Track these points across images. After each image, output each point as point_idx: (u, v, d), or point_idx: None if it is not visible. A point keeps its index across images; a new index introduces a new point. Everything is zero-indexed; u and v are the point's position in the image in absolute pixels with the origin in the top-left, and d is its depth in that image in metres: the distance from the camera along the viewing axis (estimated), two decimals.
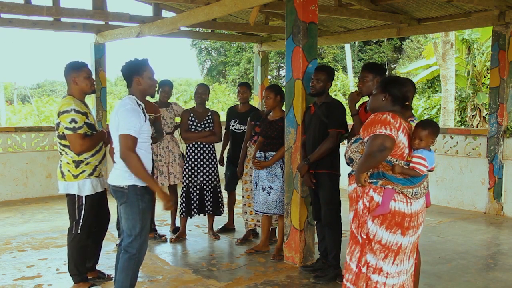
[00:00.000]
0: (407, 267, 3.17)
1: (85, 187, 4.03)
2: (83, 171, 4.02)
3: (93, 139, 4.03)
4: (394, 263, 3.10)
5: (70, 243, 4.17)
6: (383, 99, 3.16)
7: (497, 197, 7.13)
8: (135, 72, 3.54)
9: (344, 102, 15.34)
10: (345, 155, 3.42)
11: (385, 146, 2.97)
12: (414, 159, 3.07)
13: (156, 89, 6.37)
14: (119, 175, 3.48)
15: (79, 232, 4.10)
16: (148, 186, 3.42)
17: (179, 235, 5.81)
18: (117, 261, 3.62)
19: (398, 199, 3.04)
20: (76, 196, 4.05)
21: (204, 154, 5.71)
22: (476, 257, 5.25)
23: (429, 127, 3.14)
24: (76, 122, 3.93)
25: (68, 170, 4.03)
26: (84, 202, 4.04)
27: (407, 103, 3.26)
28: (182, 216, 5.77)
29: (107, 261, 4.88)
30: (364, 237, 3.11)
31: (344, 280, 3.24)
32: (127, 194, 3.44)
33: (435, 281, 4.49)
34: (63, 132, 3.99)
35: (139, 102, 3.55)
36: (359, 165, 3.12)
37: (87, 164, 4.04)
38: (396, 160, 3.05)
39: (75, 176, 4.01)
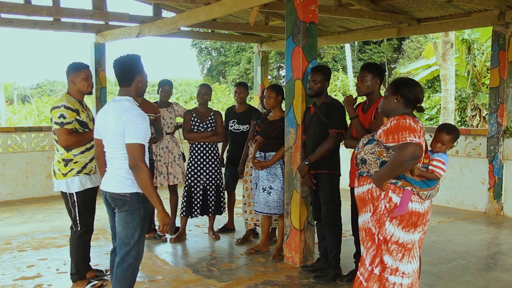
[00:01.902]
0: (416, 265, 3.19)
1: (74, 184, 4.08)
2: (72, 169, 4.08)
3: (80, 135, 4.07)
4: (408, 261, 3.12)
5: (70, 240, 4.25)
6: (395, 101, 3.13)
7: (497, 197, 7.13)
8: (137, 70, 3.31)
9: None
10: (356, 156, 3.32)
11: (417, 154, 2.93)
12: (434, 163, 3.08)
13: (157, 89, 6.45)
14: (120, 182, 3.27)
15: (79, 229, 4.16)
16: (152, 201, 3.21)
17: (179, 235, 5.81)
18: (112, 267, 3.52)
19: (415, 199, 3.06)
20: (68, 193, 4.12)
21: (207, 154, 5.71)
22: (476, 257, 5.24)
23: (453, 133, 3.21)
24: (64, 118, 4.01)
25: (59, 169, 4.12)
26: (75, 199, 4.10)
27: (419, 104, 3.22)
28: (182, 215, 5.78)
29: (107, 261, 4.87)
30: (381, 238, 3.10)
31: (358, 272, 3.24)
32: (129, 202, 3.27)
33: (435, 281, 4.49)
34: (54, 127, 4.09)
35: (137, 104, 3.37)
36: (384, 172, 3.04)
37: (75, 162, 4.09)
38: None
39: (64, 175, 4.09)
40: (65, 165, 4.09)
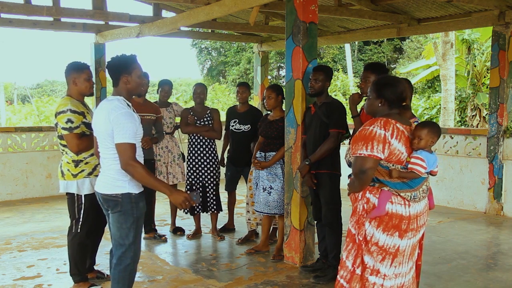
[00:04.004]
0: (406, 269, 3.13)
1: (84, 186, 4.03)
2: (83, 170, 4.03)
3: (90, 138, 3.91)
4: (392, 265, 3.07)
5: (70, 242, 4.18)
6: (380, 104, 3.10)
7: (497, 197, 7.12)
8: (124, 70, 3.27)
9: (344, 102, 15.34)
10: (345, 158, 3.39)
11: (365, 168, 2.93)
12: (412, 160, 3.02)
13: (157, 89, 6.45)
14: (111, 183, 3.27)
15: (79, 231, 4.10)
16: (158, 190, 3.25)
17: (195, 231, 5.96)
18: (111, 267, 3.49)
19: (396, 201, 3.00)
20: (76, 195, 4.06)
21: (205, 152, 5.74)
22: (476, 257, 5.24)
23: (428, 126, 3.09)
24: (72, 122, 3.93)
25: (68, 170, 4.04)
26: (83, 201, 4.05)
27: (404, 103, 3.21)
28: (185, 213, 5.90)
29: (106, 261, 4.87)
30: (361, 239, 3.09)
31: (338, 275, 3.21)
32: (121, 203, 3.26)
33: (435, 281, 4.49)
34: (61, 133, 4.01)
35: (128, 103, 3.34)
36: (352, 185, 3.11)
37: (86, 163, 4.04)
38: (393, 165, 3.01)
39: (74, 175, 4.02)
40: (76, 166, 4.02)
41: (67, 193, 4.14)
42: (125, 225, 3.29)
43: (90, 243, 4.29)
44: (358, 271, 3.10)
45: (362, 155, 2.94)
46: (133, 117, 3.23)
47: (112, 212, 3.32)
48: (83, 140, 3.97)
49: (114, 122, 3.16)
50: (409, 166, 3.02)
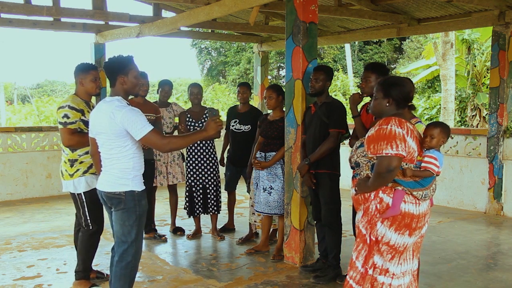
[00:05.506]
0: (411, 266, 3.16)
1: (80, 185, 4.09)
2: (78, 170, 4.09)
3: (83, 136, 4.00)
4: (399, 263, 3.09)
5: (80, 238, 4.23)
6: (387, 104, 3.10)
7: (497, 197, 7.12)
8: (120, 71, 3.31)
9: (344, 102, 15.34)
10: (350, 160, 3.35)
11: (393, 166, 2.93)
12: (426, 159, 3.06)
13: (156, 89, 6.45)
14: (114, 181, 3.30)
15: (91, 227, 4.15)
16: (199, 140, 3.28)
17: (195, 232, 5.95)
18: (112, 265, 3.51)
19: (408, 200, 3.02)
20: (76, 194, 4.12)
21: (205, 153, 5.73)
22: (476, 257, 5.24)
23: (440, 126, 3.17)
24: (68, 118, 4.03)
25: (65, 170, 4.13)
26: (84, 198, 4.11)
27: (410, 103, 3.21)
28: (189, 215, 5.88)
29: (107, 261, 4.87)
30: (373, 239, 3.08)
31: (347, 276, 3.21)
32: (124, 201, 3.30)
33: (435, 281, 4.49)
34: (58, 127, 4.13)
35: (127, 102, 3.36)
36: (370, 185, 3.06)
37: (81, 162, 4.10)
38: (406, 164, 3.02)
39: (71, 175, 4.10)
40: (71, 166, 4.09)
41: (70, 193, 4.20)
42: (128, 222, 3.33)
43: (99, 239, 4.31)
44: (371, 271, 3.10)
45: (389, 154, 2.92)
46: (138, 111, 3.25)
47: (115, 209, 3.36)
48: (75, 136, 4.05)
49: (124, 121, 3.17)
50: (423, 164, 3.05)
